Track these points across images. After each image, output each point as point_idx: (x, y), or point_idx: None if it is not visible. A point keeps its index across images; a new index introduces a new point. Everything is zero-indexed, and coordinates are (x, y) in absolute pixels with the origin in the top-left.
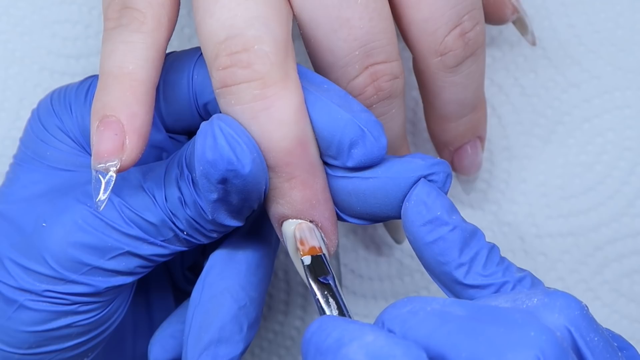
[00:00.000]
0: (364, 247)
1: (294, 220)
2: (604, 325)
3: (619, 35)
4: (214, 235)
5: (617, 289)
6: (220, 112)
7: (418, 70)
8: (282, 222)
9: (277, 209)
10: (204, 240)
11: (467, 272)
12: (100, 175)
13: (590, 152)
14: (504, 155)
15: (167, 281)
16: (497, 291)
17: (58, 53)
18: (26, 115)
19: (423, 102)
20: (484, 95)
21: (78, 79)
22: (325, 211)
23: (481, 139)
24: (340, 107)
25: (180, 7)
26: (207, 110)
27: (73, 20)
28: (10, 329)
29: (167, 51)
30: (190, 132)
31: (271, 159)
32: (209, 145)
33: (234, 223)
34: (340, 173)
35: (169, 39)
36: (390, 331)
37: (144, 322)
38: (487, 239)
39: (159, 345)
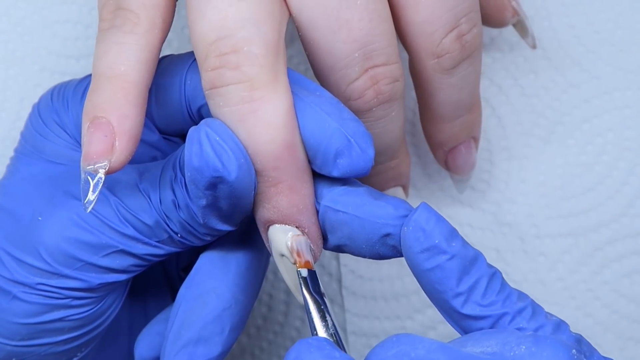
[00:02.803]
0: None
1: (280, 225)
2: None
3: (618, 35)
4: (208, 238)
5: (617, 289)
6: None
7: (414, 71)
8: (268, 227)
9: (263, 213)
10: (198, 243)
11: (465, 302)
12: (89, 177)
13: (590, 153)
14: (503, 156)
15: (164, 281)
16: (495, 322)
17: (58, 53)
18: (27, 115)
19: (418, 102)
20: (479, 97)
21: None
22: (312, 217)
23: (475, 139)
24: (329, 115)
25: (180, 7)
26: (200, 114)
27: (73, 20)
28: (3, 320)
29: (167, 52)
30: (182, 135)
31: (258, 162)
32: (194, 152)
33: (226, 227)
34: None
35: (163, 41)
36: None
37: (140, 321)
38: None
39: (145, 342)
